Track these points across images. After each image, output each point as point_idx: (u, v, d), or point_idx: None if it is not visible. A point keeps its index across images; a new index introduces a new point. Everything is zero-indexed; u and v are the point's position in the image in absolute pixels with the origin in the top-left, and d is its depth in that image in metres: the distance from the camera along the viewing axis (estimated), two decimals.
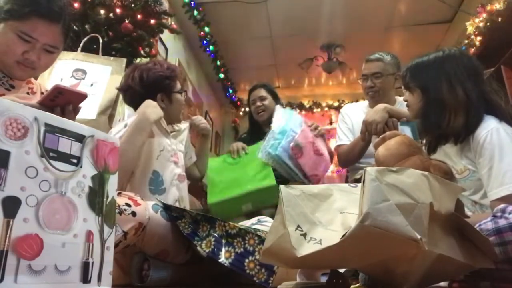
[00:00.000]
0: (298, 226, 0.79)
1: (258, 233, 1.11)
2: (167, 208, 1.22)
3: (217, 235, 1.14)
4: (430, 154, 1.33)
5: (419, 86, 1.28)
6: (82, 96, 1.10)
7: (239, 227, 1.13)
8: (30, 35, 1.13)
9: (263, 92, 2.36)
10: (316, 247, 0.74)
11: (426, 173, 0.79)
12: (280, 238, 0.79)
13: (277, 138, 1.95)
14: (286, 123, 2.01)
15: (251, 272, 1.06)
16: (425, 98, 1.26)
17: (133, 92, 1.59)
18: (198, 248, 1.14)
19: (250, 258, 1.08)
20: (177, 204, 1.55)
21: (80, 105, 1.13)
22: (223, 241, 1.12)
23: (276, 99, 2.40)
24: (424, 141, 1.38)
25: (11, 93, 1.20)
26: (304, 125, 2.10)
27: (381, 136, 1.17)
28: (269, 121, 2.18)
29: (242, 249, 1.09)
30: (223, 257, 1.09)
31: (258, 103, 2.33)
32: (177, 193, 1.58)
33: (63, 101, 1.08)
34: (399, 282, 0.78)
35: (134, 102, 1.60)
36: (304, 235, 0.77)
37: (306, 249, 0.74)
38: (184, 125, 1.88)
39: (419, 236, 0.67)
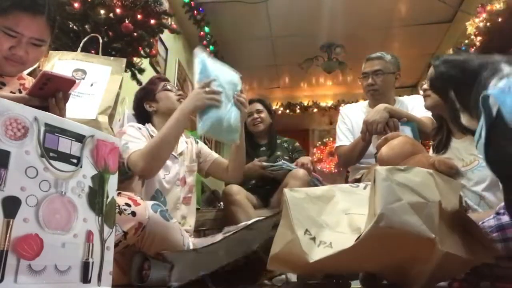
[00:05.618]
0: (307, 230, 0.76)
1: None
2: None
3: None
4: (440, 153, 1.35)
5: None
6: (71, 82, 1.07)
7: None
8: (15, 29, 1.10)
9: (259, 106, 2.48)
10: (328, 251, 0.72)
11: (431, 171, 0.78)
12: (289, 243, 0.77)
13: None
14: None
15: None
16: None
17: None
18: None
19: None
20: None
21: (70, 91, 1.09)
22: None
23: (271, 114, 2.54)
24: (431, 141, 1.39)
25: (2, 91, 1.17)
26: None
27: (383, 137, 1.17)
28: (263, 132, 2.45)
29: None
30: None
31: (255, 115, 2.45)
32: (179, 217, 1.56)
33: (53, 88, 1.04)
34: (410, 283, 0.78)
35: None
36: (314, 239, 0.75)
37: (318, 253, 0.72)
38: (186, 139, 1.82)
39: (433, 235, 0.67)
